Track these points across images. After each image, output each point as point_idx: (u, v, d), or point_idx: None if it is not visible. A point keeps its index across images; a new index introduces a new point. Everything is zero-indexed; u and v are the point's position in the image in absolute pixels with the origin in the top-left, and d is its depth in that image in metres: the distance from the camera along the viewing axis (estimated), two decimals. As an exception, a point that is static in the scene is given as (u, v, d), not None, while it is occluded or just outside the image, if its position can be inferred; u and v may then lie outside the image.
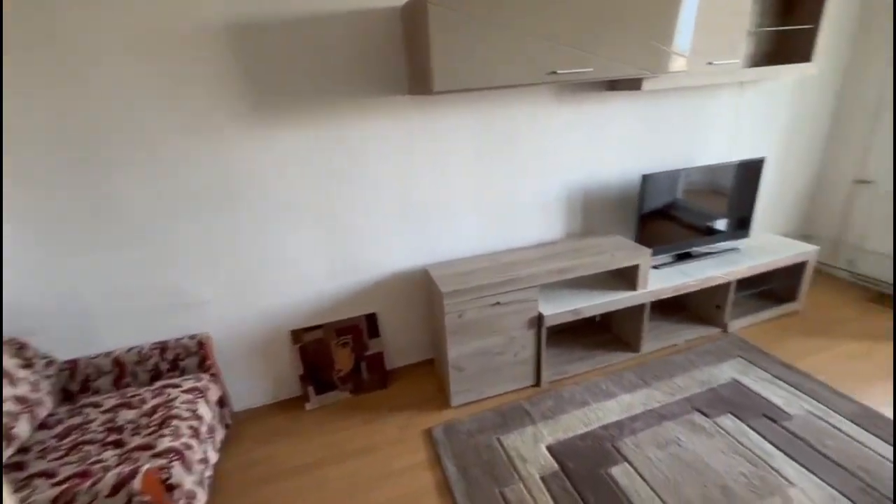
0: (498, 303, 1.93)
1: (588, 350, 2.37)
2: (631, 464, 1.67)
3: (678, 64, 1.85)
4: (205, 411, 1.67)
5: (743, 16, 2.04)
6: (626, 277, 2.22)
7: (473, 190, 2.16)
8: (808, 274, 2.56)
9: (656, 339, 2.41)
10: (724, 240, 2.54)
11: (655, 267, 2.38)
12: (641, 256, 2.13)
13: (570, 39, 1.63)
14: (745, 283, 2.54)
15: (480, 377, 2.04)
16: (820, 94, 2.79)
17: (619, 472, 1.65)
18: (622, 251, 2.16)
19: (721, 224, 2.51)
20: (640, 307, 2.22)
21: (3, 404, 1.43)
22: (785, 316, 2.62)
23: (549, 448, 1.78)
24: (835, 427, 1.78)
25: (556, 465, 1.70)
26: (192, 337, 1.84)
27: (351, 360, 2.19)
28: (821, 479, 1.56)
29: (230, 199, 1.82)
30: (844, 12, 2.61)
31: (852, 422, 1.80)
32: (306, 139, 1.83)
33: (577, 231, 2.46)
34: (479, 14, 1.48)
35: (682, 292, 2.27)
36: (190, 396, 1.65)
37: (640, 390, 2.07)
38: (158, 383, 1.72)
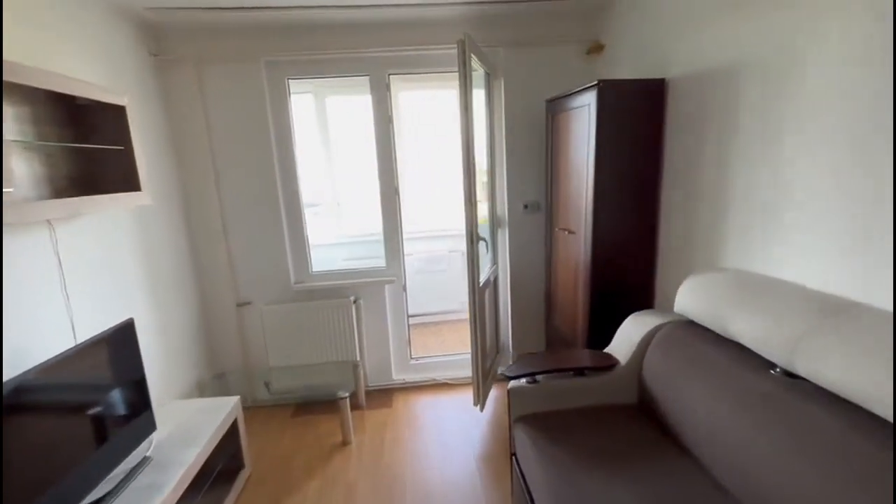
0: None
1: None
2: None
3: None
4: None
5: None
6: None
7: None
8: (242, 429, 2.11)
9: None
10: (125, 453, 1.57)
11: None
12: None
13: None
14: (186, 494, 1.69)
15: None
16: (170, 222, 2.40)
17: None
18: None
19: (108, 443, 1.51)
20: None
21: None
22: (244, 491, 2.04)
23: None
24: None
25: None
26: None
27: None
28: None
29: None
30: (161, 137, 2.33)
31: None
32: None
33: None
34: None
35: None
36: None
37: None
38: None
